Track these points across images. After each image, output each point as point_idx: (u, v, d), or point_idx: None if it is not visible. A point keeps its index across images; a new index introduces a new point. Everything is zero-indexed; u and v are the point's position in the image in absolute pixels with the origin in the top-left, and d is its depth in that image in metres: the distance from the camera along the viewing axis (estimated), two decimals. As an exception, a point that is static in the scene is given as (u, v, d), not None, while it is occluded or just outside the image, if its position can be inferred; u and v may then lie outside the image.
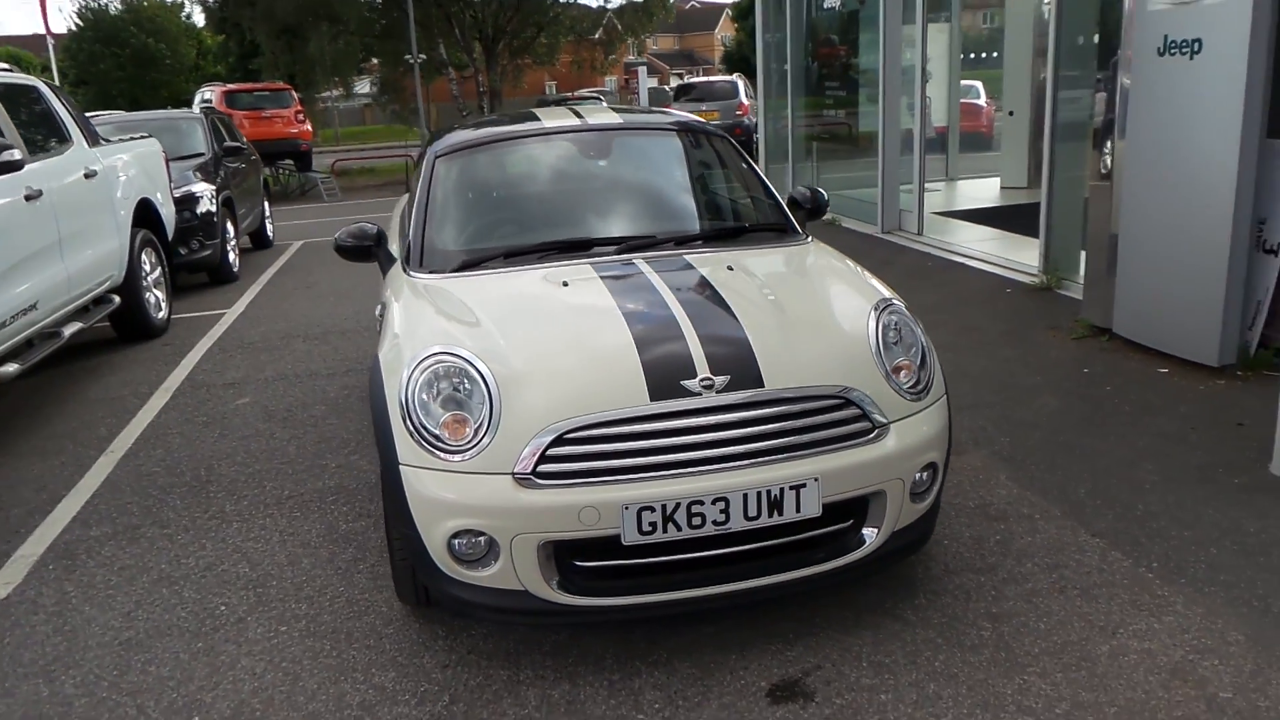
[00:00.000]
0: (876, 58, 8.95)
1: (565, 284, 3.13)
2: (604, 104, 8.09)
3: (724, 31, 67.06)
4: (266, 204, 11.70)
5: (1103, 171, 5.40)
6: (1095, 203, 5.45)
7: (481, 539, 2.57)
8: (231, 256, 9.20)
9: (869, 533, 2.75)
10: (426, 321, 3.03)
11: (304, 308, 7.76)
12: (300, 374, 5.81)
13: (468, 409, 2.63)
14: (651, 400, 2.57)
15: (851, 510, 2.73)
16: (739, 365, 2.66)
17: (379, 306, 3.47)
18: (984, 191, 11.62)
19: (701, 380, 2.61)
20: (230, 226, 9.28)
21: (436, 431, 2.63)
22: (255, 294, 8.50)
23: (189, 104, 24.19)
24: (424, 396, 2.68)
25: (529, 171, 3.96)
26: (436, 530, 2.60)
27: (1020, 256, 7.44)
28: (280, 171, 18.18)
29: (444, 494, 2.58)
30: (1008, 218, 9.22)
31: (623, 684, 2.64)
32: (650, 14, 24.92)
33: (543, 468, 2.53)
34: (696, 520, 2.54)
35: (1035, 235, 7.23)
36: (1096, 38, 6.12)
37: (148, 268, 7.01)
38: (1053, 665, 2.61)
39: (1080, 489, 3.65)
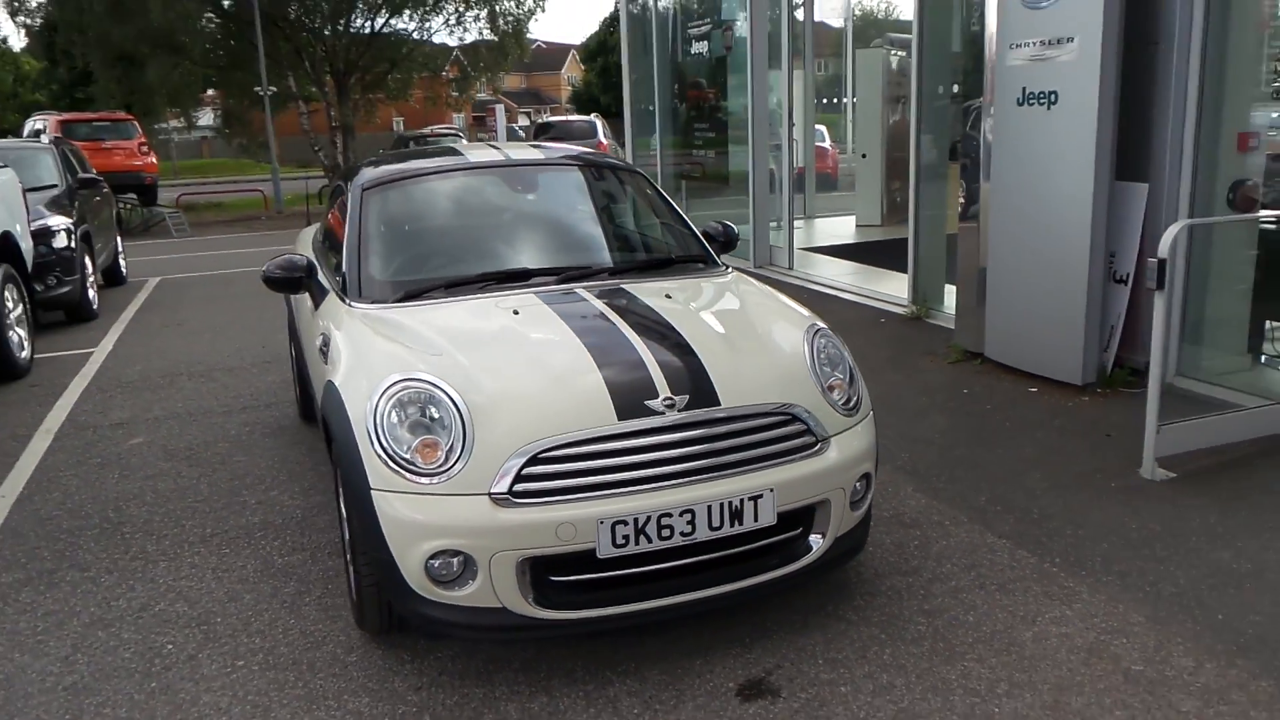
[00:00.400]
0: (744, 101, 9.42)
1: (516, 312, 3.24)
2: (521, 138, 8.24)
3: (570, 72, 68.12)
4: (119, 239, 11.17)
5: (970, 212, 5.90)
6: (964, 240, 5.95)
7: (458, 559, 2.64)
8: (91, 293, 8.75)
9: (815, 539, 2.97)
10: (380, 350, 3.08)
11: (180, 345, 7.47)
12: (194, 412, 5.62)
13: (438, 433, 2.70)
14: (619, 420, 2.72)
15: (800, 519, 2.94)
16: (695, 386, 2.84)
17: (319, 338, 3.47)
18: (841, 229, 12.32)
19: (664, 400, 2.77)
20: (89, 262, 8.83)
21: (408, 456, 2.69)
22: (120, 332, 8.11)
23: (15, 133, 22.68)
24: (393, 421, 2.74)
25: (461, 204, 4.04)
26: (413, 552, 2.65)
27: (887, 288, 7.97)
28: (124, 206, 17.29)
29: (420, 516, 2.64)
30: (868, 253, 9.83)
31: (598, 693, 2.75)
32: (505, 53, 25.11)
33: (519, 487, 2.63)
34: (666, 532, 2.69)
35: (896, 269, 7.74)
36: (955, 88, 6.69)
37: (9, 304, 6.62)
38: (986, 652, 2.88)
39: (980, 497, 3.99)
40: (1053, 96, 5.01)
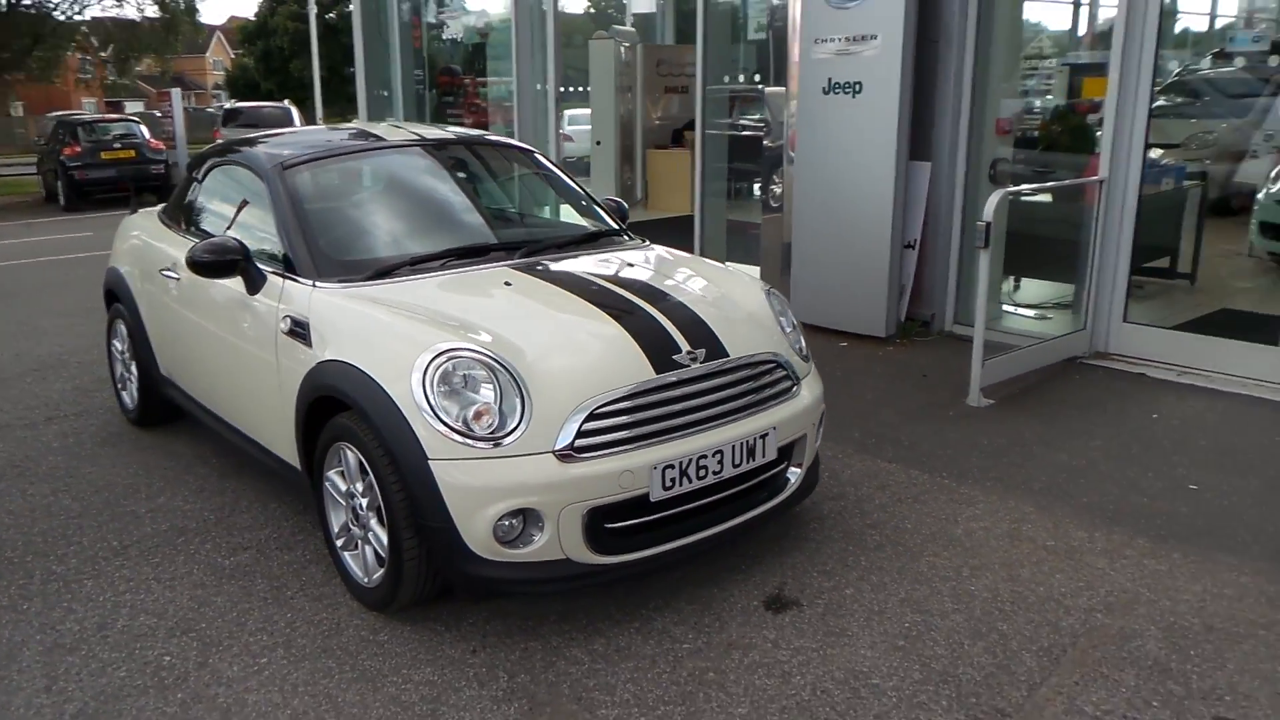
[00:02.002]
0: (508, 87, 9.59)
1: (507, 283, 3.33)
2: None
3: (215, 55, 63.24)
4: None
5: (772, 201, 6.56)
6: (768, 223, 6.62)
7: (519, 518, 2.75)
8: None
9: (794, 472, 3.37)
10: (400, 323, 3.04)
11: (-94, 360, 6.39)
12: (-9, 428, 4.94)
13: (492, 398, 2.78)
14: (656, 373, 2.95)
15: (784, 454, 3.33)
16: (707, 340, 3.13)
17: (283, 320, 3.31)
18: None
19: (687, 354, 3.04)
20: None
21: (464, 424, 2.75)
22: None
23: None
24: (443, 391, 2.78)
25: (389, 182, 3.98)
26: (480, 516, 2.72)
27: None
28: None
29: (487, 480, 2.72)
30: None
31: (646, 627, 2.97)
32: (176, 30, 23.01)
33: (580, 442, 2.79)
34: (702, 472, 2.97)
35: (668, 244, 8.33)
36: (742, 78, 7.35)
37: None
38: (937, 547, 3.44)
39: (854, 432, 4.60)
40: (858, 86, 5.75)
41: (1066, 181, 5.45)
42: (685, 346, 3.05)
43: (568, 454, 2.77)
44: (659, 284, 3.43)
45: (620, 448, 2.84)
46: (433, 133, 4.25)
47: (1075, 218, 5.74)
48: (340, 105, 23.34)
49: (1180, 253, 6.65)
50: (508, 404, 2.78)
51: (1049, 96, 6.04)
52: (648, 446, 2.87)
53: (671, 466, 2.89)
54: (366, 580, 3.09)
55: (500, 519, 2.73)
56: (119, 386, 5.05)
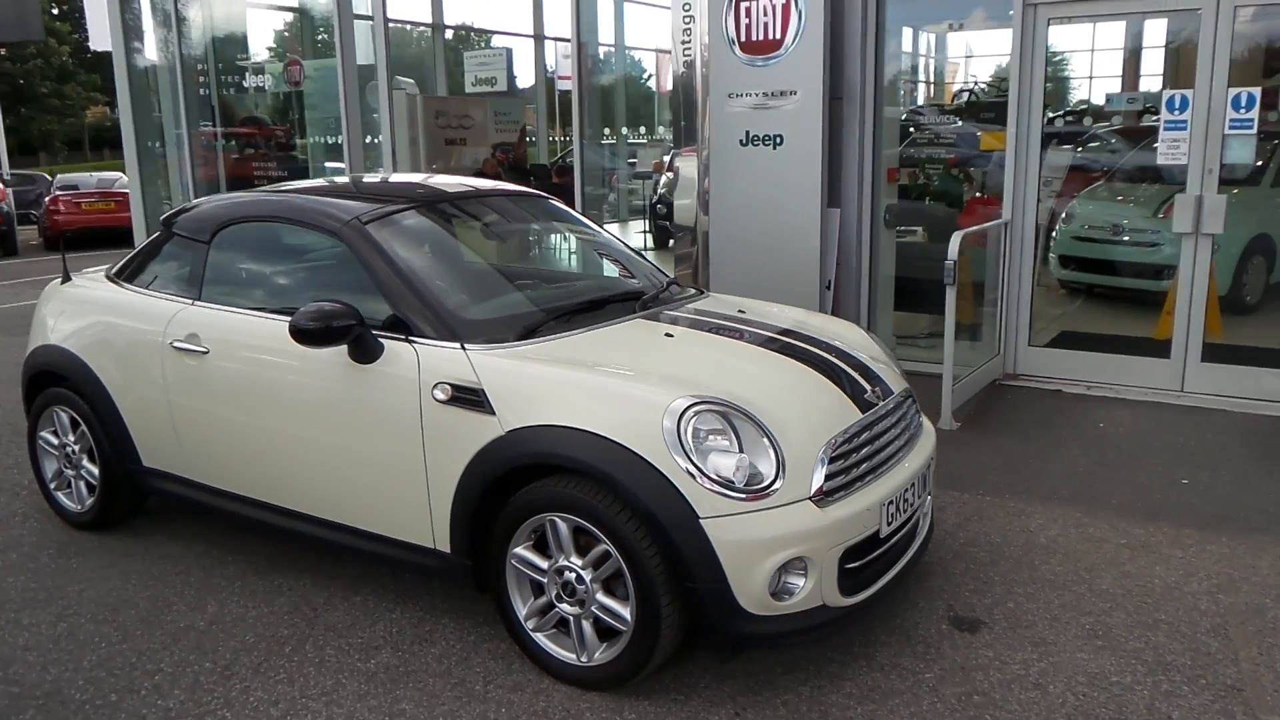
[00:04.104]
0: (322, 136, 9.10)
1: (669, 335, 3.25)
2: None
3: None
4: None
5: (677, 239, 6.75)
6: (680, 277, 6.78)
7: (794, 566, 2.71)
8: None
9: (927, 498, 3.55)
10: (616, 382, 2.90)
11: None
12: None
13: (745, 449, 2.72)
14: (861, 413, 3.03)
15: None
16: (874, 379, 3.26)
17: (438, 389, 2.99)
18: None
19: (873, 392, 3.15)
20: None
21: (729, 477, 2.68)
22: None
23: None
24: (700, 446, 2.68)
25: (470, 235, 3.70)
26: (756, 571, 2.66)
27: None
28: None
29: (761, 533, 2.67)
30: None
31: (873, 665, 3.01)
32: None
33: (827, 485, 2.80)
34: (906, 505, 3.08)
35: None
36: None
37: None
38: (1042, 557, 3.75)
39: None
40: (779, 139, 6.09)
41: (995, 221, 6.08)
42: (869, 386, 3.16)
43: (821, 499, 2.77)
44: (803, 329, 3.49)
45: (853, 488, 2.88)
46: (476, 183, 4.02)
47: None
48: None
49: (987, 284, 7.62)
50: (760, 454, 2.74)
51: (930, 149, 6.74)
52: (871, 484, 2.94)
53: (892, 502, 2.97)
54: (586, 659, 2.87)
55: (778, 571, 2.67)
56: (52, 487, 4.22)
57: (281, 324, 3.35)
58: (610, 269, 4.01)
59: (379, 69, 8.59)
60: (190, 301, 3.70)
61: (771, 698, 2.84)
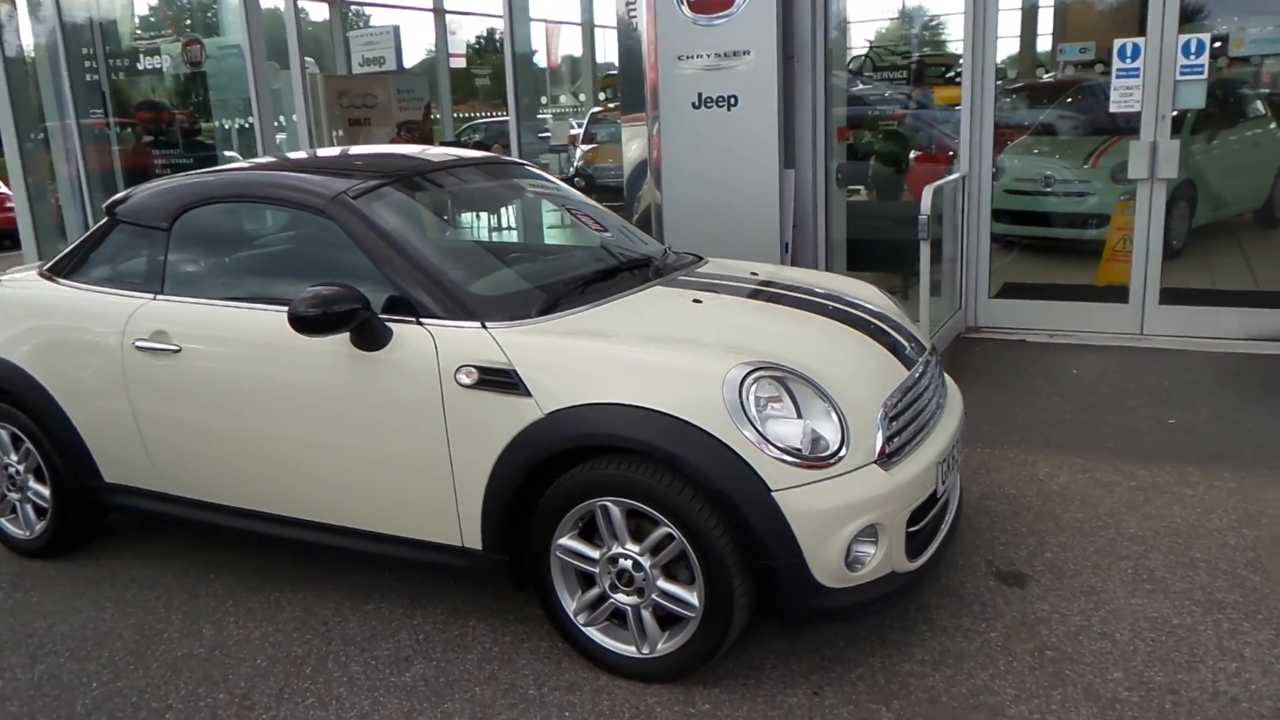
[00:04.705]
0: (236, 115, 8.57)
1: (698, 301, 3.07)
2: None
3: None
4: None
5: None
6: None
7: (865, 534, 2.57)
8: None
9: (950, 455, 3.48)
10: (661, 353, 2.70)
11: None
12: None
13: (807, 415, 2.58)
14: (906, 370, 2.91)
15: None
16: (908, 335, 3.15)
17: (462, 372, 2.73)
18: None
19: (911, 349, 3.04)
20: None
21: (796, 446, 2.53)
22: None
23: None
24: (764, 415, 2.52)
25: (462, 206, 3.42)
26: (832, 542, 2.52)
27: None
28: None
29: (834, 502, 2.53)
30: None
31: (935, 628, 2.92)
32: None
33: (888, 447, 2.67)
34: (952, 463, 2.99)
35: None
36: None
37: None
38: (1062, 505, 3.72)
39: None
40: (733, 99, 5.93)
41: (954, 176, 6.06)
42: (908, 345, 3.05)
43: (885, 461, 2.64)
44: (825, 289, 3.36)
45: (908, 448, 2.77)
46: (460, 152, 3.74)
47: (903, 215, 6.42)
48: None
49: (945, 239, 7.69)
50: (822, 419, 2.59)
51: (879, 108, 6.70)
52: (923, 444, 2.83)
53: (943, 461, 2.87)
54: (648, 651, 2.68)
55: (853, 541, 2.54)
56: (-10, 513, 3.80)
57: (266, 314, 3.07)
58: (602, 237, 3.79)
59: (290, 44, 8.10)
60: (151, 296, 3.34)
61: (845, 673, 2.72)
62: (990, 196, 6.05)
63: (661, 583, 2.63)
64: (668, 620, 2.68)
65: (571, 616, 2.77)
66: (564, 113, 14.38)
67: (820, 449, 2.55)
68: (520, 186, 3.93)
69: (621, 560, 2.65)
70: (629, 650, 2.72)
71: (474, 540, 2.85)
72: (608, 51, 13.17)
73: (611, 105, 11.99)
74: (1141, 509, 3.65)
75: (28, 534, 3.74)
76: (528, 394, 2.67)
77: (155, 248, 3.39)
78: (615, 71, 11.79)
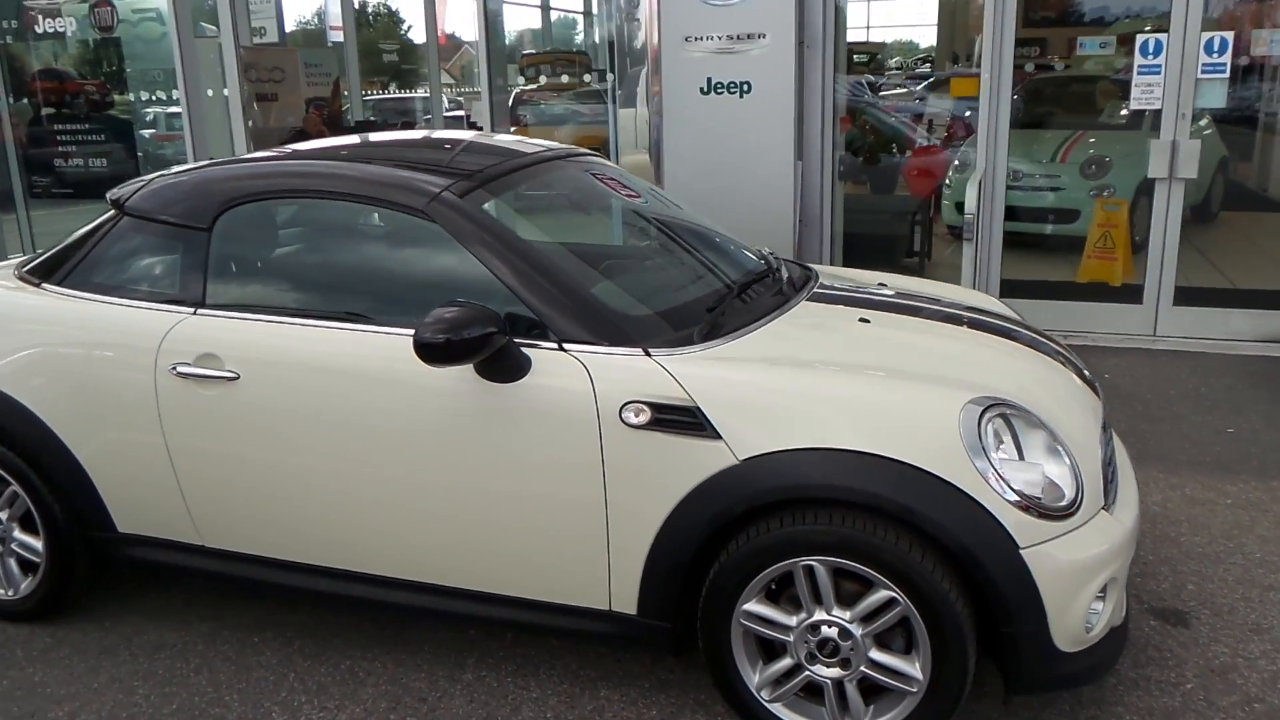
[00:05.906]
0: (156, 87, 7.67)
1: (864, 320, 2.70)
2: None
3: None
4: None
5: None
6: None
7: (1101, 590, 2.29)
8: None
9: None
10: (869, 387, 2.33)
11: None
12: None
13: (1038, 458, 2.27)
14: (1097, 397, 2.66)
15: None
16: (1070, 357, 2.88)
17: (631, 409, 2.29)
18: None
19: (1089, 373, 2.78)
20: None
21: (1038, 495, 2.22)
22: None
23: None
24: (1001, 460, 2.20)
25: (578, 207, 2.94)
26: (1075, 603, 2.23)
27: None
28: None
29: (1079, 558, 2.23)
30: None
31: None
32: None
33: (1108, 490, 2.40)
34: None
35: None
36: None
37: None
38: (1174, 528, 3.55)
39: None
40: (746, 86, 5.58)
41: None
42: (1082, 367, 2.79)
43: (1109, 505, 2.36)
44: (966, 302, 3.06)
45: (1114, 486, 2.50)
46: (548, 145, 3.23)
47: (905, 208, 6.25)
48: None
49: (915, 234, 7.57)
50: (1054, 462, 2.29)
51: (880, 96, 6.46)
52: (1122, 478, 2.57)
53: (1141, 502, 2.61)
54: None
55: (1095, 599, 2.24)
56: (-36, 570, 3.11)
57: (355, 335, 2.55)
58: (705, 243, 3.36)
59: (220, 7, 7.29)
60: (191, 310, 2.74)
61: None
62: (1004, 191, 5.88)
63: (874, 653, 2.27)
64: (870, 692, 2.33)
65: (755, 691, 2.38)
66: (478, 92, 13.75)
67: (1056, 497, 2.24)
68: (616, 186, 3.46)
69: (825, 628, 2.28)
70: (826, 730, 2.36)
71: (627, 604, 2.43)
72: (531, 27, 12.57)
73: (533, 87, 11.48)
74: (1252, 530, 3.51)
75: (10, 593, 3.09)
76: (716, 436, 2.26)
77: (192, 251, 2.79)
78: (534, 50, 11.28)
